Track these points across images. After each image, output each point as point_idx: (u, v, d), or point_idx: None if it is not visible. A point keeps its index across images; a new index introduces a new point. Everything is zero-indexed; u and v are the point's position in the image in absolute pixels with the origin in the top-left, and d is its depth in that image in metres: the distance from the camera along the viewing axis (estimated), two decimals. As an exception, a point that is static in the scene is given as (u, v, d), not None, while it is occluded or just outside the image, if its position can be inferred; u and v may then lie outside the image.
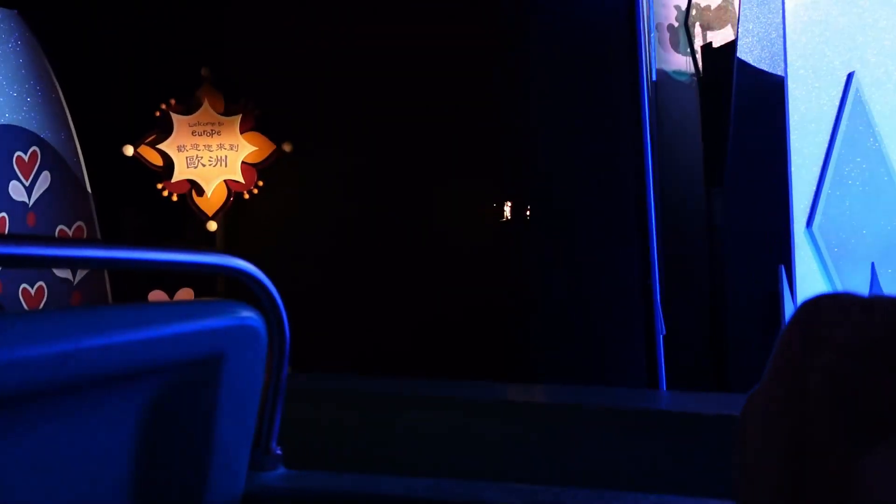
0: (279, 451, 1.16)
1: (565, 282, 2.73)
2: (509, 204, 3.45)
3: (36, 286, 3.87)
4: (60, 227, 3.76)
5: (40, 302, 3.85)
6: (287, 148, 3.78)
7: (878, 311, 0.36)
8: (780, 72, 2.82)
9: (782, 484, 0.35)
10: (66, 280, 3.74)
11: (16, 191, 3.91)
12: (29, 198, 3.87)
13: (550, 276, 2.85)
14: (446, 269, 3.61)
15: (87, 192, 3.68)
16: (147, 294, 3.69)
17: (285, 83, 3.86)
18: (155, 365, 0.87)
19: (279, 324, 1.08)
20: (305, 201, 3.84)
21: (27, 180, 3.89)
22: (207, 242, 3.91)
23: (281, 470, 1.16)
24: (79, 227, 3.71)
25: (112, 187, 3.83)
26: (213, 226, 3.79)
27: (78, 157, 3.70)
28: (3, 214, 3.97)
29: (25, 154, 3.88)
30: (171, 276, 3.87)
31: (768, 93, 2.95)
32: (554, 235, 2.79)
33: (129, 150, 3.73)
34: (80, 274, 3.69)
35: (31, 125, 3.88)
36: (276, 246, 3.86)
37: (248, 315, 0.97)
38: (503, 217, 3.46)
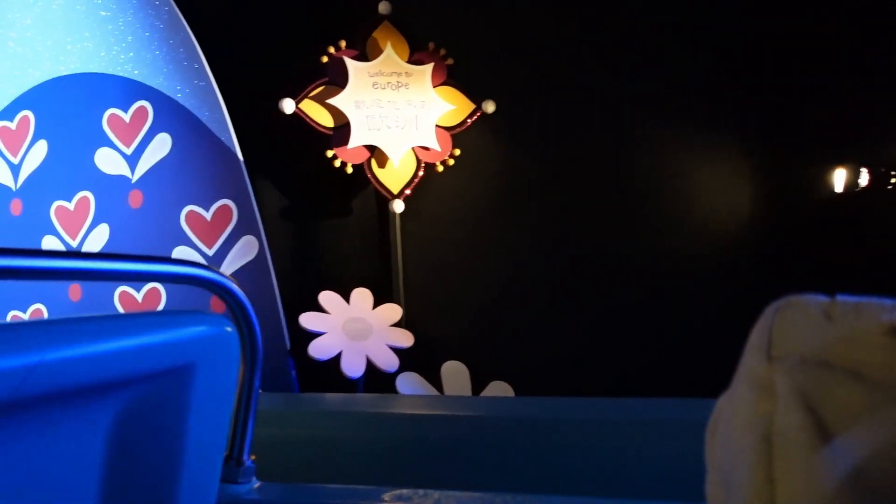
0: (252, 464, 1.13)
1: None
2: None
3: (145, 289, 2.89)
4: (189, 208, 2.79)
5: (155, 307, 2.87)
6: (489, 108, 2.94)
7: (837, 314, 0.35)
8: None
9: (751, 482, 0.34)
10: (201, 279, 2.77)
11: (108, 161, 2.93)
12: (132, 171, 2.89)
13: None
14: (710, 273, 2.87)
15: (238, 159, 2.73)
16: (318, 295, 2.78)
17: (483, 22, 3.02)
18: (124, 376, 0.84)
19: (251, 335, 1.05)
20: (510, 178, 3.00)
21: (128, 147, 2.92)
22: (383, 230, 3.01)
23: (254, 482, 1.14)
24: (223, 207, 2.75)
25: (261, 156, 2.89)
26: (398, 206, 2.89)
27: (222, 114, 2.75)
28: (86, 193, 2.98)
29: (126, 111, 2.91)
30: (347, 277, 2.96)
31: None
32: None
33: (288, 106, 2.80)
34: (225, 272, 2.73)
35: (137, 73, 2.90)
36: (470, 236, 3.00)
37: (220, 326, 0.94)
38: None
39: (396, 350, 2.71)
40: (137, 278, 0.89)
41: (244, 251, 2.69)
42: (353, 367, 2.58)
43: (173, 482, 0.93)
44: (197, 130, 2.79)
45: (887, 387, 0.32)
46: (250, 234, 2.69)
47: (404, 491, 1.14)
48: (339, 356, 2.61)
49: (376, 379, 2.65)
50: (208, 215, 2.76)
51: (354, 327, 2.69)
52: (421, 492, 1.14)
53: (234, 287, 1.01)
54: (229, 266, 2.71)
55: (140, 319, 0.89)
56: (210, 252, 2.75)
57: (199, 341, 0.91)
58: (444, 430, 1.96)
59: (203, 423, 0.94)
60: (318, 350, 2.56)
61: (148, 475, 0.91)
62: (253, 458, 1.15)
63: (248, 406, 1.10)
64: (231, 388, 1.00)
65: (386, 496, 1.13)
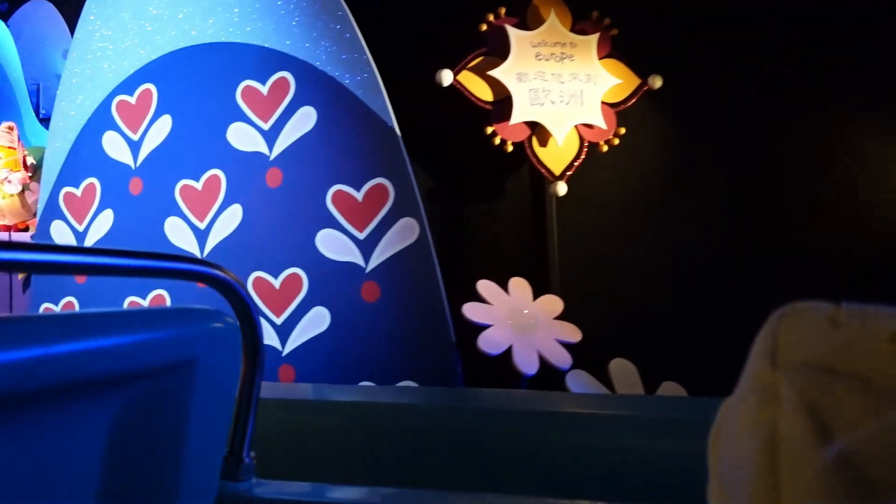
0: (251, 461, 1.13)
1: None
2: None
3: (284, 275, 2.67)
4: (337, 188, 2.57)
5: (295, 295, 2.65)
6: (656, 83, 2.70)
7: (843, 321, 0.35)
8: None
9: (755, 489, 0.34)
10: (351, 265, 2.55)
11: (242, 137, 2.72)
12: (269, 147, 2.69)
13: None
14: None
15: (395, 134, 2.51)
16: (475, 284, 2.55)
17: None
18: (125, 371, 0.84)
19: (253, 330, 1.05)
20: (678, 160, 2.76)
21: (265, 122, 2.71)
22: (538, 214, 2.78)
23: (253, 479, 1.14)
24: (378, 186, 2.53)
25: (414, 131, 2.66)
26: (562, 188, 2.66)
27: (377, 87, 2.53)
28: (216, 172, 2.77)
29: (263, 84, 2.71)
30: (501, 265, 2.73)
31: None
32: None
33: (446, 78, 2.58)
34: (379, 258, 2.52)
35: (276, 42, 2.69)
36: (633, 223, 2.76)
37: (222, 321, 0.95)
38: None
39: (565, 345, 2.48)
40: (138, 274, 0.89)
41: (402, 235, 2.47)
42: (526, 363, 2.35)
43: (173, 478, 0.93)
44: (347, 104, 2.57)
45: (892, 393, 0.31)
46: (409, 216, 2.47)
47: (404, 491, 1.14)
48: (508, 351, 2.38)
49: (545, 376, 2.42)
50: (359, 195, 2.54)
51: (520, 320, 2.46)
52: (426, 493, 1.13)
53: (236, 282, 1.00)
54: (384, 251, 2.49)
55: (142, 314, 0.88)
56: (361, 236, 2.53)
57: (200, 337, 0.92)
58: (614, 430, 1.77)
59: (203, 419, 0.95)
60: (488, 343, 2.34)
61: (148, 471, 0.91)
62: (253, 455, 1.13)
63: (248, 403, 1.09)
64: (232, 384, 1.01)
65: (385, 495, 1.13)
